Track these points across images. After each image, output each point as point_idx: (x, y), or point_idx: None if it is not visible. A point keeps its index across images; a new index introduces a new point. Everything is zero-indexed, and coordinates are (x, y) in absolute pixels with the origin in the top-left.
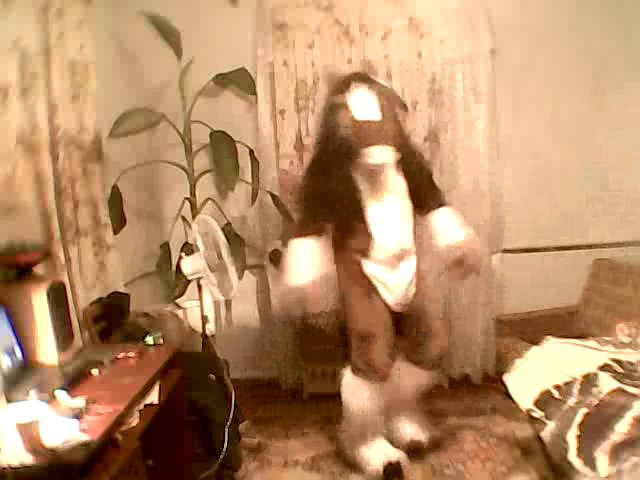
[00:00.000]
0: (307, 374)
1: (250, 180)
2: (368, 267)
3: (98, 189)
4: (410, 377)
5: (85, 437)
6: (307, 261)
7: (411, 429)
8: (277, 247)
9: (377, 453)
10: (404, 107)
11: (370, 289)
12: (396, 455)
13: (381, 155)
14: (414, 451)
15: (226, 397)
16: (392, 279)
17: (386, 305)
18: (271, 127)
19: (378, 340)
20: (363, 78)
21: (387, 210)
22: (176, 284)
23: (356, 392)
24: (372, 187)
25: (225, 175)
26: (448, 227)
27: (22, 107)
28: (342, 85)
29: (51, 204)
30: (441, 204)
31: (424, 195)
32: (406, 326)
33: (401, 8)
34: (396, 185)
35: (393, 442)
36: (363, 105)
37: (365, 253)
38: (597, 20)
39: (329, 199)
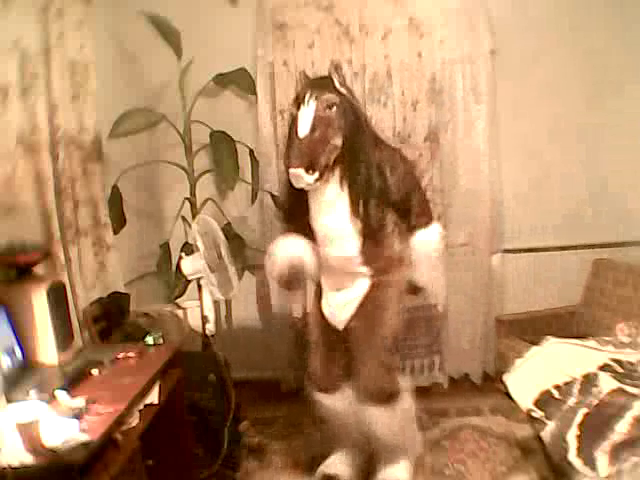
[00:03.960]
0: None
1: (250, 180)
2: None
3: (98, 189)
4: (370, 417)
5: (85, 437)
6: (299, 242)
7: (390, 475)
8: None
9: (326, 463)
10: (360, 115)
11: (320, 301)
12: (338, 471)
13: (294, 178)
14: None
15: (226, 397)
16: (331, 292)
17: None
18: (271, 127)
19: (318, 352)
20: (320, 86)
21: (325, 226)
22: (176, 284)
23: (314, 399)
24: (313, 202)
25: (225, 175)
26: (418, 260)
27: (22, 107)
28: (300, 94)
29: (51, 204)
30: (417, 225)
31: (386, 212)
32: (351, 350)
33: (401, 8)
34: (332, 201)
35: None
36: (302, 120)
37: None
38: (598, 20)
39: (291, 211)
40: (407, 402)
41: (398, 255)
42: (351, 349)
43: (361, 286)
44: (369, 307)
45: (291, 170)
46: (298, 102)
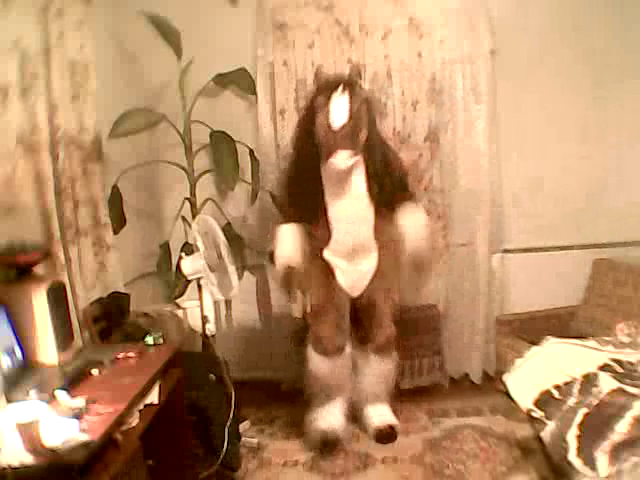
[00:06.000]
0: None
1: (250, 180)
2: (327, 254)
3: (98, 189)
4: (369, 366)
5: (85, 437)
6: (291, 242)
7: (377, 418)
8: None
9: (322, 419)
10: (377, 113)
11: (328, 271)
12: (335, 426)
13: (341, 160)
14: (384, 437)
15: (226, 397)
16: (347, 267)
17: (341, 289)
18: (271, 127)
19: (328, 317)
20: (347, 83)
21: (345, 210)
22: (176, 284)
23: (312, 362)
24: (335, 188)
25: (225, 175)
26: (407, 232)
27: (22, 107)
28: (326, 88)
29: (51, 204)
30: (404, 202)
31: (389, 196)
32: (360, 313)
33: (401, 8)
34: (357, 186)
35: (365, 429)
36: (338, 111)
37: (325, 244)
38: (598, 20)
39: (298, 195)
40: (395, 352)
41: (396, 229)
42: (367, 310)
43: (373, 258)
44: (382, 275)
45: (340, 151)
46: (328, 92)
